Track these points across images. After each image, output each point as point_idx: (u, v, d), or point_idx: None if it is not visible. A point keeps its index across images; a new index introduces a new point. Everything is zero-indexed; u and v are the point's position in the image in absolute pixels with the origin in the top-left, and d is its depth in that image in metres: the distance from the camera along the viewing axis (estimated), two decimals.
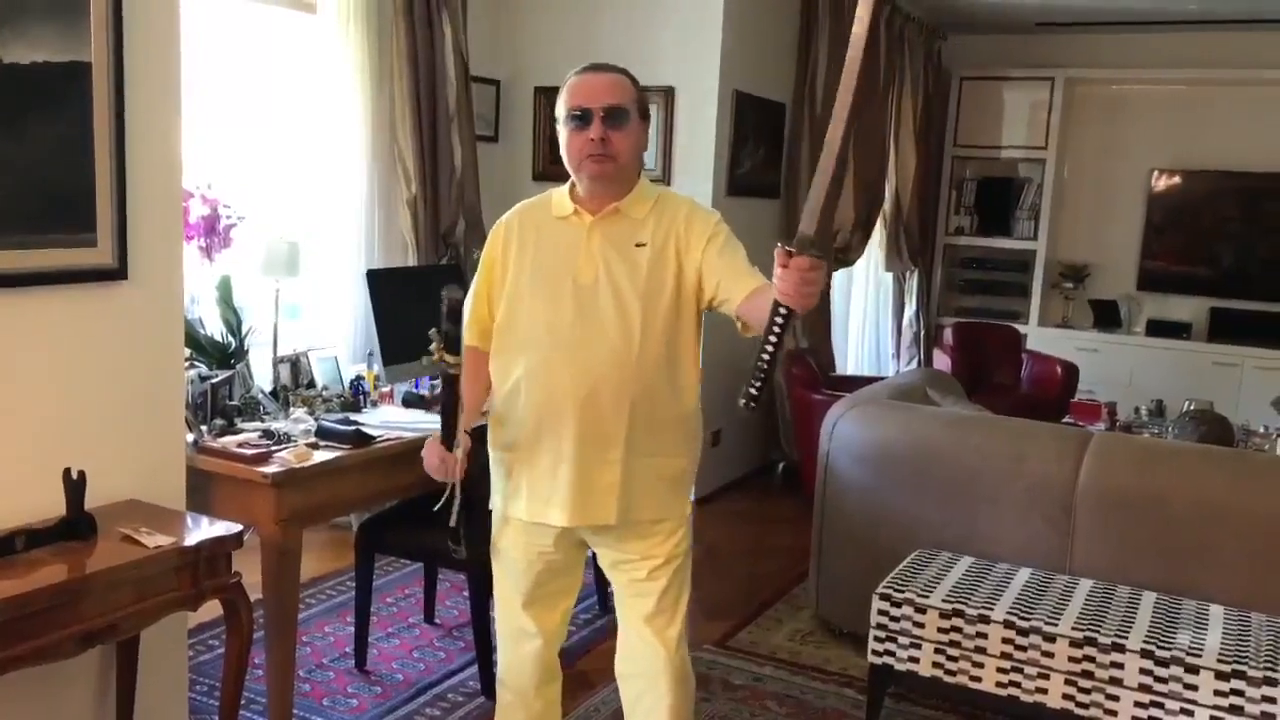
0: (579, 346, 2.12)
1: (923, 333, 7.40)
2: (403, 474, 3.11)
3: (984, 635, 2.81)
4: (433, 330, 2.14)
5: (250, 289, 3.64)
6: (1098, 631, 2.71)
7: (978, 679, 2.83)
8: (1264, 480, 3.14)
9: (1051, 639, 2.73)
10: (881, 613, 2.95)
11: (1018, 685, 2.78)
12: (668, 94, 4.90)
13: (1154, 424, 5.17)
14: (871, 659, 2.98)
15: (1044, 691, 2.75)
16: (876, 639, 2.96)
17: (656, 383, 2.15)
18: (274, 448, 2.80)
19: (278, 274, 3.56)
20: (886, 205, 6.80)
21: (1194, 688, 2.58)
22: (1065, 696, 2.72)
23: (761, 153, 5.45)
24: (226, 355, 3.21)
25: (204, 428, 2.88)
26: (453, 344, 2.12)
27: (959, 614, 2.85)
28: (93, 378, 2.45)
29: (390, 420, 3.19)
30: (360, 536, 3.33)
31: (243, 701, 2.55)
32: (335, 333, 4.25)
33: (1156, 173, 7.20)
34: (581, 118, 2.11)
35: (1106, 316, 7.37)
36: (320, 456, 2.82)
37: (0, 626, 1.94)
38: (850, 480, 3.58)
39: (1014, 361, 6.70)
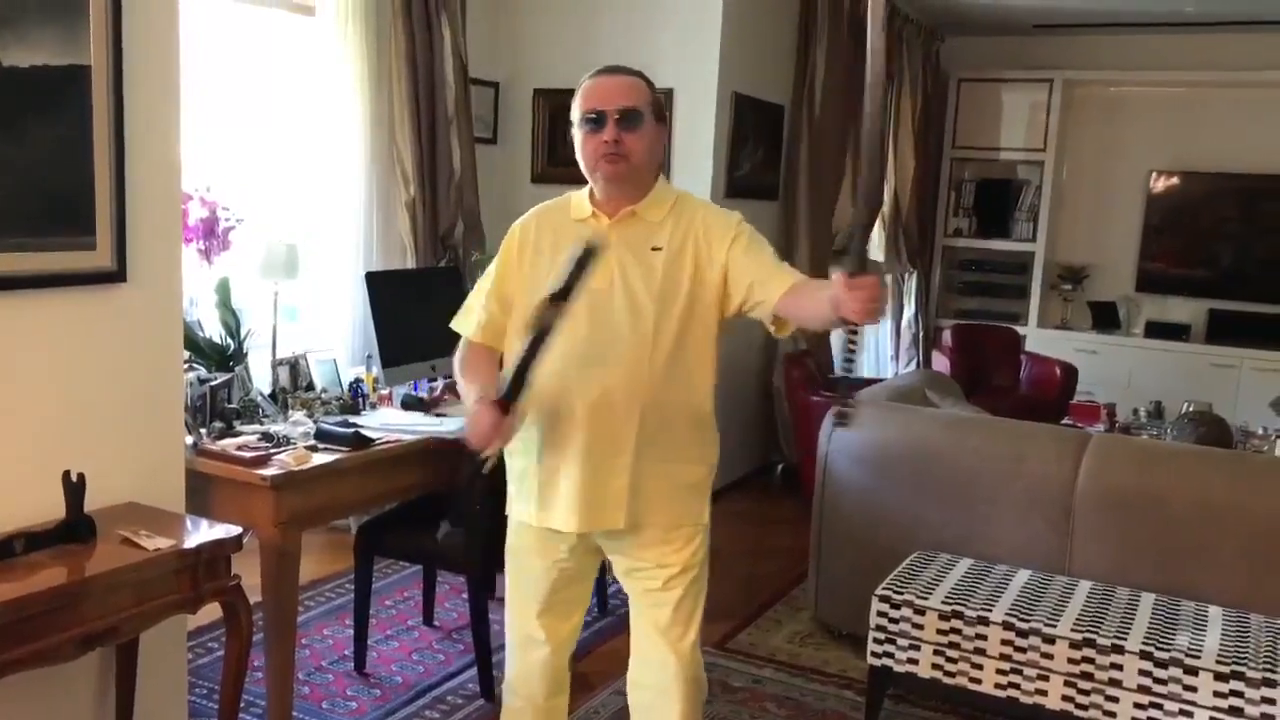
0: (591, 350, 2.10)
1: (921, 334, 7.41)
2: (402, 476, 3.12)
3: (983, 637, 2.81)
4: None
5: (249, 291, 3.64)
6: (1097, 633, 2.71)
7: (977, 680, 2.83)
8: (1262, 481, 3.15)
9: (1051, 640, 2.74)
10: (881, 614, 2.95)
11: (1017, 687, 2.78)
12: (667, 96, 4.89)
13: (1153, 425, 5.18)
14: (871, 660, 2.98)
15: (1043, 693, 2.75)
16: (876, 640, 2.96)
17: (669, 388, 2.12)
18: (273, 450, 2.80)
19: (276, 276, 3.56)
20: (885, 207, 6.80)
21: (1193, 689, 2.58)
22: (1064, 698, 2.72)
23: (760, 154, 5.45)
24: (225, 358, 3.22)
25: (203, 430, 2.88)
26: (561, 294, 1.98)
27: (958, 615, 2.85)
28: (92, 380, 2.45)
29: (389, 423, 3.19)
30: (359, 539, 3.33)
31: (242, 704, 2.55)
32: (334, 335, 4.25)
33: (1155, 174, 7.21)
34: (596, 120, 2.10)
35: (1105, 318, 7.37)
36: (319, 459, 2.82)
37: None
38: (849, 482, 3.58)
39: (1013, 363, 6.71)
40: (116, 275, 2.45)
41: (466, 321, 2.30)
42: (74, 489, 2.25)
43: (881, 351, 7.40)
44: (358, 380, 3.45)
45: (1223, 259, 7.19)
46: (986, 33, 7.42)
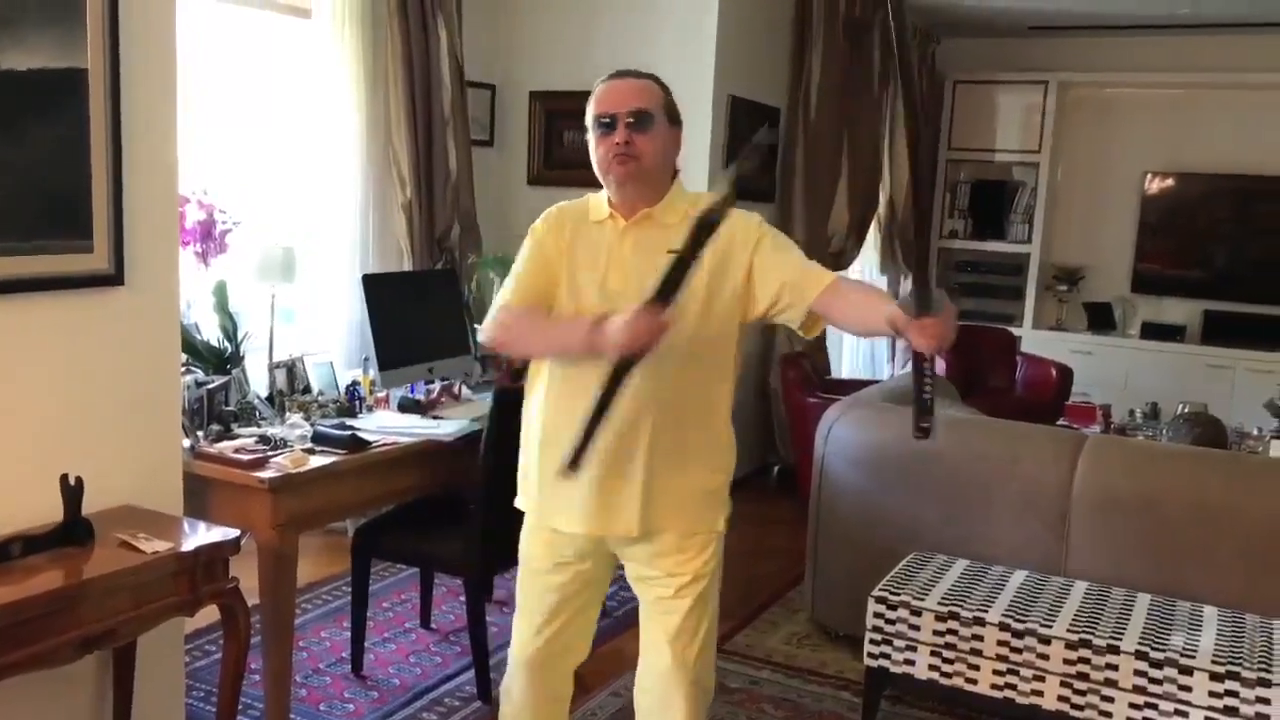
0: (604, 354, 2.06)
1: None
2: (399, 479, 3.12)
3: (979, 637, 2.82)
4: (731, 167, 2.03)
5: (246, 294, 3.64)
6: (1093, 633, 2.72)
7: (973, 681, 2.83)
8: (1257, 482, 3.16)
9: (1047, 641, 2.74)
10: (877, 615, 2.95)
11: (1013, 687, 2.79)
12: None
13: (1148, 426, 5.19)
14: (867, 661, 2.98)
15: (1039, 694, 2.76)
16: (872, 641, 2.96)
17: (684, 395, 2.11)
18: (270, 453, 2.80)
19: (273, 279, 3.56)
20: (880, 209, 6.82)
21: (1188, 689, 2.59)
22: (1060, 698, 2.73)
23: (756, 157, 5.46)
24: (223, 360, 3.22)
25: (200, 433, 2.88)
26: (732, 187, 1.93)
27: (954, 616, 2.85)
28: (89, 383, 2.45)
29: (386, 425, 3.19)
30: (356, 541, 3.33)
31: (240, 706, 2.55)
32: (330, 338, 4.26)
33: (1149, 175, 7.23)
34: (608, 123, 2.10)
35: (1100, 319, 7.38)
36: (316, 461, 2.82)
37: None
38: (845, 483, 3.59)
39: (1008, 364, 6.72)
40: (114, 278, 2.45)
41: (507, 296, 2.19)
42: (72, 492, 2.25)
43: (877, 353, 7.41)
44: (354, 383, 3.45)
45: (1217, 260, 7.20)
46: (982, 35, 7.44)
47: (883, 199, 6.82)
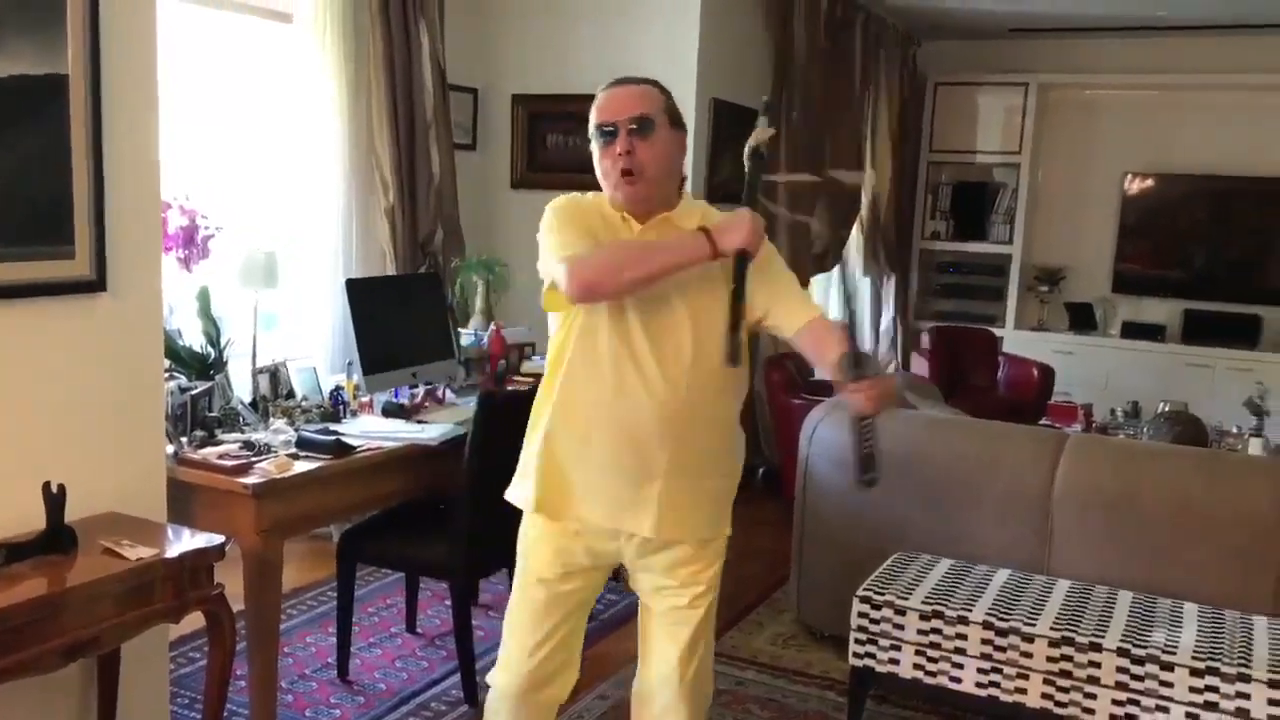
0: (626, 367, 2.06)
1: (900, 337, 7.45)
2: (384, 484, 3.12)
3: (963, 636, 2.84)
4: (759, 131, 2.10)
5: (229, 300, 3.64)
6: (1075, 631, 2.74)
7: (957, 680, 2.85)
8: (1236, 479, 3.19)
9: (1030, 639, 2.76)
10: (862, 615, 2.97)
11: (997, 685, 2.81)
12: None
13: (1129, 425, 5.23)
14: (852, 661, 3.00)
15: (1023, 691, 2.77)
16: (857, 641, 2.98)
17: (703, 400, 2.09)
18: (254, 459, 2.80)
19: (256, 285, 3.55)
20: (863, 211, 6.85)
21: (1169, 685, 2.61)
22: (1044, 696, 2.75)
23: (739, 160, 5.47)
24: (206, 366, 3.21)
25: (184, 439, 2.88)
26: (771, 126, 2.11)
27: (938, 615, 2.87)
28: (72, 390, 2.45)
29: (370, 430, 3.19)
30: (341, 546, 3.33)
31: (225, 713, 2.54)
32: (314, 343, 4.25)
33: (1129, 176, 7.28)
34: (610, 132, 2.08)
35: (1082, 319, 7.43)
36: (301, 467, 2.82)
37: None
38: (830, 484, 3.61)
39: (991, 365, 6.76)
40: (96, 284, 2.44)
41: (569, 250, 2.05)
42: (54, 499, 2.25)
43: None
44: (338, 388, 3.45)
45: (1197, 260, 7.27)
46: (962, 37, 7.48)
47: (865, 201, 6.85)
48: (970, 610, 2.86)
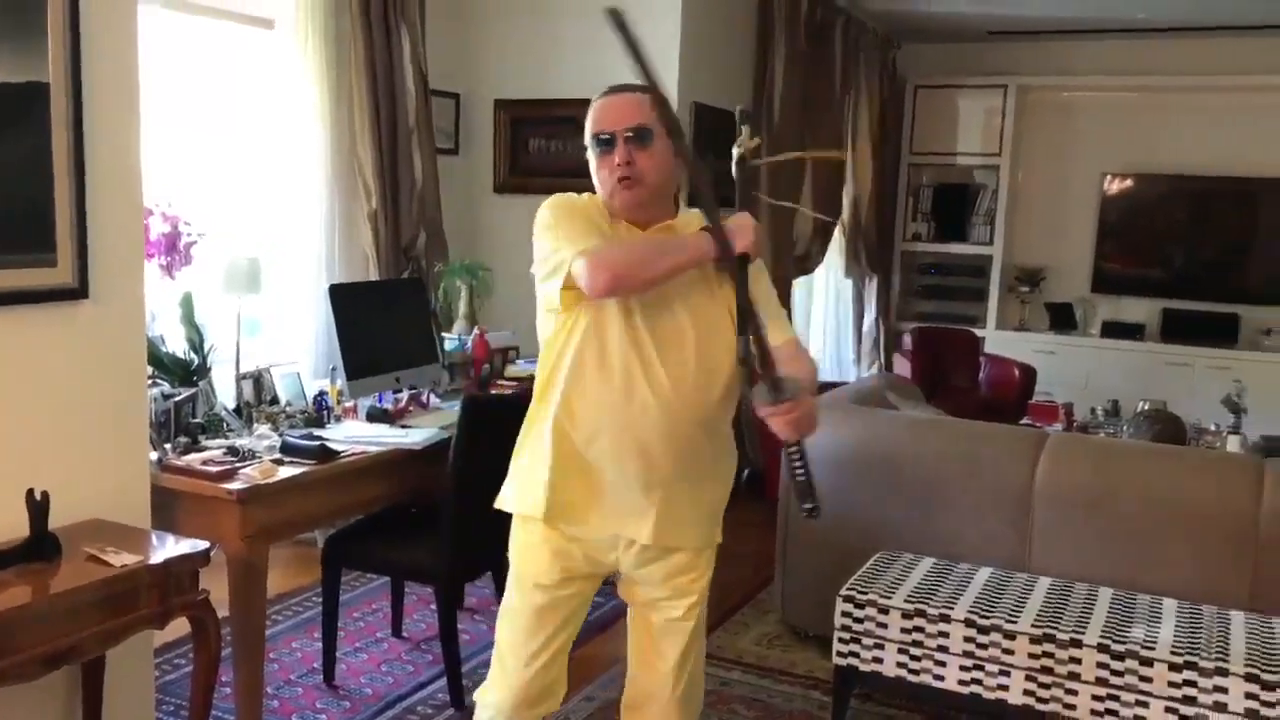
0: (631, 379, 2.04)
1: (883, 338, 7.49)
2: (368, 488, 3.13)
3: (945, 634, 2.86)
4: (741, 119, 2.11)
5: (212, 306, 3.63)
6: (1056, 628, 2.77)
7: (940, 678, 2.87)
8: (1214, 476, 3.23)
9: (1011, 636, 2.79)
10: (845, 614, 2.99)
11: (979, 683, 2.83)
12: None
13: (1110, 424, 5.27)
14: (836, 660, 3.02)
15: (1005, 688, 2.80)
16: (841, 640, 3.00)
17: (703, 409, 2.08)
18: (239, 464, 2.80)
19: (239, 290, 3.55)
20: (845, 213, 6.88)
21: (1148, 679, 2.64)
22: (1026, 692, 2.78)
23: (720, 163, 5.49)
24: (189, 373, 3.21)
25: (168, 446, 2.87)
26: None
27: (921, 614, 2.89)
28: (55, 397, 2.45)
29: (354, 435, 3.20)
30: (326, 551, 3.33)
31: (211, 719, 2.55)
32: (298, 348, 4.25)
33: (1108, 177, 7.34)
34: (607, 142, 2.05)
35: (1062, 319, 7.49)
36: (285, 472, 2.82)
37: None
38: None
39: (972, 365, 6.81)
40: (78, 292, 2.44)
41: (579, 245, 2.00)
42: (38, 506, 2.24)
43: (843, 356, 7.47)
44: (322, 393, 3.45)
45: (1175, 259, 7.34)
46: (942, 40, 7.53)
47: (846, 203, 6.88)
48: (952, 608, 2.88)
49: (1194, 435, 4.91)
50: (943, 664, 2.87)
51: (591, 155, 2.09)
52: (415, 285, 4.24)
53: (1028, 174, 7.62)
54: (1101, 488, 3.23)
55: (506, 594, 2.24)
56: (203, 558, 2.38)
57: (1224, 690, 2.57)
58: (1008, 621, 2.81)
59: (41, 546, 2.23)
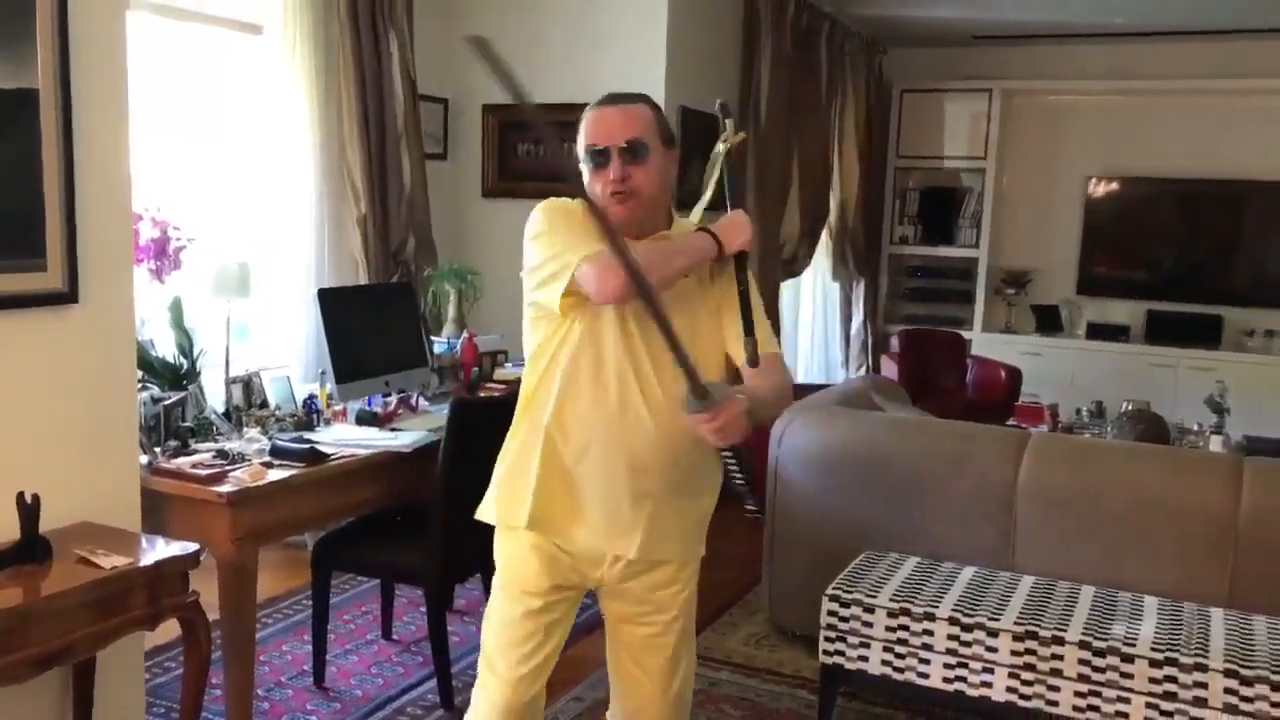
0: (625, 385, 2.00)
1: (870, 341, 7.53)
2: (357, 491, 3.14)
3: (930, 633, 2.89)
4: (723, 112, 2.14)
5: (201, 310, 3.65)
6: (1038, 625, 2.80)
7: (925, 675, 2.90)
8: (1195, 475, 3.26)
9: (995, 634, 2.82)
10: (831, 614, 3.01)
11: (963, 680, 2.86)
12: None
13: (1094, 424, 5.32)
14: (822, 659, 3.04)
15: (989, 685, 2.83)
16: (827, 639, 3.03)
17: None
18: (228, 467, 2.81)
19: (229, 295, 3.56)
20: (831, 216, 6.92)
21: (1130, 675, 2.68)
22: (1009, 689, 2.81)
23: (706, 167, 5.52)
24: (179, 376, 3.22)
25: (158, 449, 2.89)
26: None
27: (906, 613, 2.92)
28: (45, 401, 2.46)
29: (344, 438, 3.22)
30: (316, 554, 3.34)
31: None
32: (287, 352, 4.26)
33: (1093, 180, 7.40)
34: (601, 155, 1.99)
35: (1048, 321, 7.55)
36: (274, 475, 2.83)
37: None
38: (799, 486, 3.66)
39: (959, 366, 6.85)
40: (68, 296, 2.46)
41: (581, 252, 1.94)
42: (28, 509, 2.26)
43: (831, 358, 7.51)
44: (312, 396, 3.46)
45: (1160, 262, 7.40)
46: (927, 44, 7.58)
47: (833, 206, 6.92)
48: (936, 607, 2.91)
49: (1177, 435, 4.96)
50: (927, 662, 2.90)
51: (584, 168, 2.03)
52: (404, 289, 4.26)
53: (1013, 177, 7.68)
54: (1083, 487, 3.27)
55: (491, 602, 2.18)
56: (193, 559, 2.39)
57: (1204, 686, 2.61)
58: (991, 620, 2.84)
59: (32, 549, 2.25)
